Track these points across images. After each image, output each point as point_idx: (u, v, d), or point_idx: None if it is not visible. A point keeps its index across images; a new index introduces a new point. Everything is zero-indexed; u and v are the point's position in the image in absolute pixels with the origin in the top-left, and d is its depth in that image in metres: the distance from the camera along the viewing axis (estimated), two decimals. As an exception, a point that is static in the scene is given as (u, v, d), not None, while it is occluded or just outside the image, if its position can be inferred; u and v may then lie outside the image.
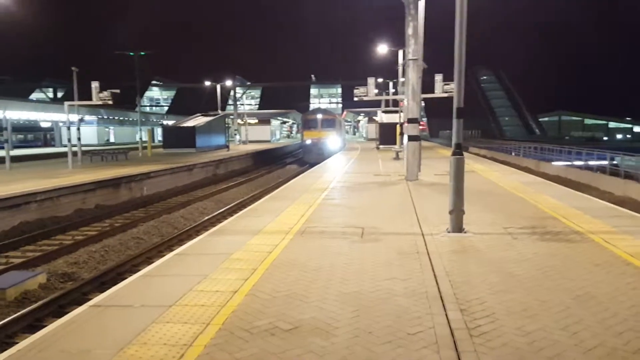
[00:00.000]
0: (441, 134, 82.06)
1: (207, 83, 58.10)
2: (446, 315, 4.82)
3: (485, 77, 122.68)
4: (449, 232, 8.42)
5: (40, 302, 8.23)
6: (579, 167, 27.17)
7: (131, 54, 36.74)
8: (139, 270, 8.44)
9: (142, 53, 36.99)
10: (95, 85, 23.34)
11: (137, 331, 4.53)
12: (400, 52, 33.14)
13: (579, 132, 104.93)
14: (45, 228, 14.21)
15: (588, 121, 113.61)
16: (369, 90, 23.04)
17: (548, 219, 9.53)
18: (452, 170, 8.48)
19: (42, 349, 4.25)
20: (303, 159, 39.03)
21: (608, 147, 42.13)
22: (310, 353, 4.07)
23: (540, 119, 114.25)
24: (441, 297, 5.33)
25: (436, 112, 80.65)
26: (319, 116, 39.06)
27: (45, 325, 5.36)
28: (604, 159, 25.16)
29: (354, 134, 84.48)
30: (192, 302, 5.28)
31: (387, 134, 38.14)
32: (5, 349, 4.45)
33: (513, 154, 39.69)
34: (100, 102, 23.81)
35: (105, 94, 23.57)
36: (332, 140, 38.19)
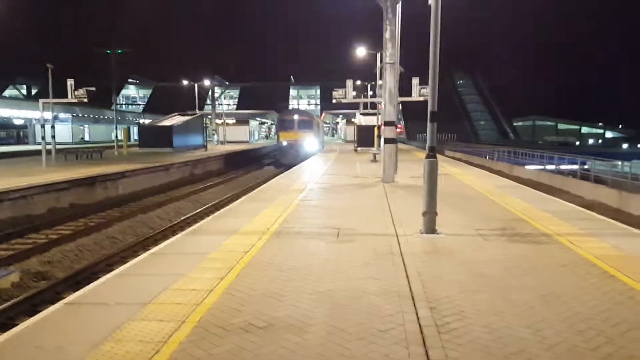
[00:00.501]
0: (418, 137, 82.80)
1: (185, 82, 57.70)
2: (416, 313, 4.97)
3: (461, 81, 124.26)
4: (422, 233, 8.60)
5: (12, 301, 8.16)
6: (551, 171, 27.77)
7: (108, 51, 36.33)
8: (113, 269, 8.42)
9: (120, 51, 36.61)
10: (70, 82, 23.06)
11: (112, 328, 4.58)
12: (379, 55, 33.44)
13: (552, 136, 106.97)
14: (19, 227, 14.02)
15: (561, 126, 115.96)
16: (347, 92, 23.16)
17: (518, 221, 9.79)
18: (426, 173, 8.67)
19: (16, 346, 4.28)
20: (279, 161, 38.39)
21: (580, 151, 43.11)
22: (284, 349, 4.17)
23: (514, 124, 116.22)
24: (412, 295, 5.48)
25: (413, 115, 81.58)
26: (296, 117, 38.45)
27: (19, 324, 5.35)
28: (576, 163, 25.80)
29: (333, 135, 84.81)
30: (167, 300, 5.33)
31: (365, 136, 38.31)
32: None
33: (487, 157, 40.30)
34: (75, 100, 23.53)
35: (81, 91, 23.30)
36: (309, 141, 37.66)
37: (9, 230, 13.46)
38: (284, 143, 37.78)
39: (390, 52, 16.90)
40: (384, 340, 4.35)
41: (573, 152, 34.90)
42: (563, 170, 26.94)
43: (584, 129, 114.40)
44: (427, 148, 8.83)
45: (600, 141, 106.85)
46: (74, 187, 18.25)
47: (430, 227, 8.60)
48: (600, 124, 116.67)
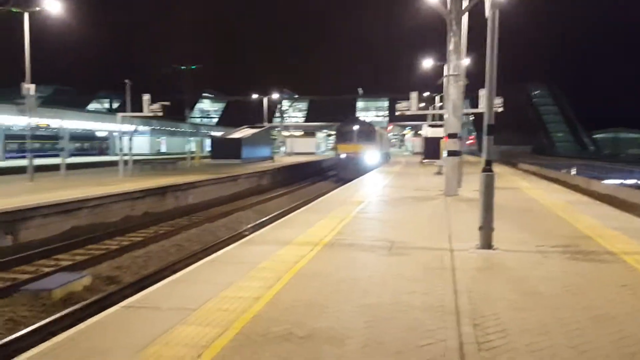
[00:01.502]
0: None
1: (255, 96, 59.32)
2: (459, 329, 4.90)
3: (537, 92, 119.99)
4: (478, 248, 8.41)
5: (82, 303, 8.73)
6: (631, 186, 26.22)
7: (182, 67, 38.05)
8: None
9: (193, 67, 38.25)
10: (146, 97, 24.33)
11: (161, 331, 4.83)
12: (445, 67, 33.01)
13: (635, 149, 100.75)
14: (95, 233, 14.94)
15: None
16: (412, 104, 23.03)
17: (583, 238, 9.35)
18: (482, 187, 8.49)
19: (73, 345, 4.61)
20: (338, 175, 36.04)
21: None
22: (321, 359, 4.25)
23: (594, 136, 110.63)
24: (457, 311, 5.39)
25: (485, 127, 79.13)
26: (355, 127, 36.45)
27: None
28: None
29: (400, 147, 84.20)
30: (215, 306, 5.55)
31: (432, 148, 37.39)
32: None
33: (564, 171, 38.62)
34: (150, 114, 24.80)
35: (156, 106, 24.49)
36: (370, 154, 35.52)
37: (85, 237, 14.37)
38: (343, 155, 35.75)
39: (454, 64, 16.69)
40: (422, 355, 4.32)
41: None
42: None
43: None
44: (483, 161, 8.67)
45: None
46: (147, 196, 19.20)
47: (487, 242, 8.40)
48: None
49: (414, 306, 5.59)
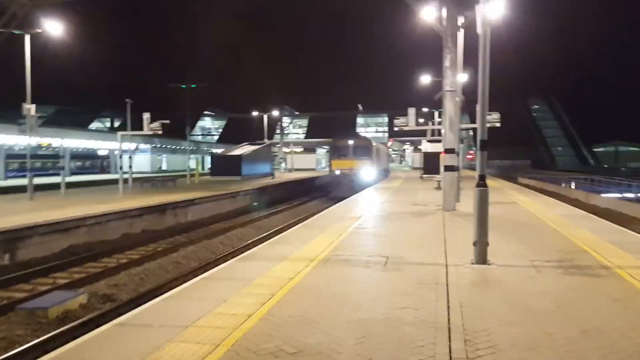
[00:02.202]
0: (491, 164, 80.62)
1: (255, 113, 59.58)
2: (449, 345, 4.91)
3: (537, 106, 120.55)
4: (473, 263, 8.43)
5: (77, 322, 8.73)
6: (630, 199, 26.22)
7: (183, 86, 38.34)
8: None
9: (193, 86, 38.52)
10: (146, 116, 24.55)
11: (152, 349, 4.85)
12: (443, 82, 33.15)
13: (636, 162, 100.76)
14: (93, 251, 14.94)
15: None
16: (409, 120, 23.15)
17: (578, 252, 9.37)
18: (476, 202, 8.54)
19: (64, 362, 4.63)
20: (331, 194, 33.74)
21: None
22: (309, 375, 4.26)
23: (595, 149, 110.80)
24: (449, 327, 5.40)
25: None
26: (350, 142, 34.54)
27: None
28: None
29: (400, 162, 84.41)
30: (207, 323, 5.56)
31: (432, 163, 37.38)
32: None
33: (563, 185, 38.61)
34: (150, 133, 24.98)
35: (156, 124, 24.71)
36: (366, 170, 33.81)
37: (84, 255, 14.38)
38: (337, 172, 33.78)
39: (450, 80, 16.81)
40: (410, 370, 4.33)
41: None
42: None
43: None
44: (477, 177, 8.72)
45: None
46: (146, 214, 19.24)
47: (481, 258, 8.41)
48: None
49: (406, 321, 5.60)
